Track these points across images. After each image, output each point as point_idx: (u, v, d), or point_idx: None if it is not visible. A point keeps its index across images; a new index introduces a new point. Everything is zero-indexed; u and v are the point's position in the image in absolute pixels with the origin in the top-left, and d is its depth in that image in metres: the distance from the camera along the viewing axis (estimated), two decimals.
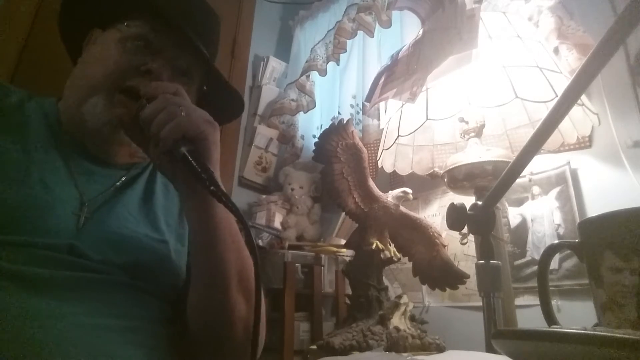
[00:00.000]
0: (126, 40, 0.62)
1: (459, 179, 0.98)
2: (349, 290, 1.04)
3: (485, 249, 0.65)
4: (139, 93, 0.55)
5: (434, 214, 1.31)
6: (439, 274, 0.96)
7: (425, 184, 1.31)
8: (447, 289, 0.96)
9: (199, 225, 0.55)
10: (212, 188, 0.46)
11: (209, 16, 0.71)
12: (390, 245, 0.98)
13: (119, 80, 0.59)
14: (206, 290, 0.56)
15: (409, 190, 0.99)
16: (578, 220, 0.99)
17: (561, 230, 1.03)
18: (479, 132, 1.02)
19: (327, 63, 1.65)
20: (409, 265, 1.01)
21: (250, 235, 0.47)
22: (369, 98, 1.14)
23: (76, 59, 0.71)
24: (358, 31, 1.57)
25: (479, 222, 0.64)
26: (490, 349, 0.76)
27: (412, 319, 0.91)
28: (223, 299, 0.55)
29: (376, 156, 1.32)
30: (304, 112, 1.73)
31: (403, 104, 1.02)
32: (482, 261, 0.65)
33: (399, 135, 1.00)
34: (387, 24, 1.49)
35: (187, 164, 0.48)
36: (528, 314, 0.98)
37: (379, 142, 1.25)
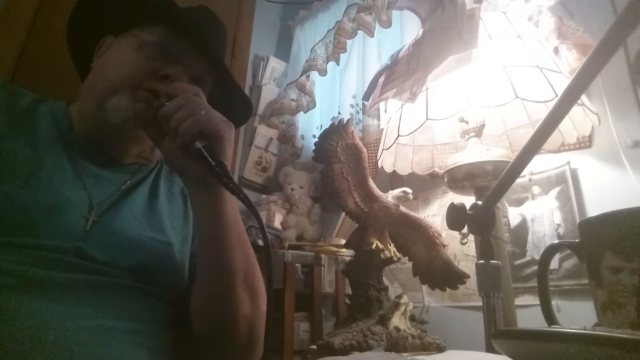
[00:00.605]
0: (144, 46, 0.63)
1: (459, 179, 0.98)
2: (349, 290, 1.04)
3: (485, 249, 0.65)
4: (160, 93, 0.57)
5: (434, 214, 1.31)
6: (439, 274, 0.96)
7: (425, 184, 1.31)
8: (447, 289, 0.96)
9: (207, 222, 0.56)
10: (226, 181, 0.48)
11: (218, 24, 0.73)
12: (390, 245, 0.98)
13: (139, 83, 0.60)
14: (211, 287, 0.56)
15: (409, 190, 0.99)
16: (578, 220, 0.99)
17: (561, 230, 1.03)
18: (479, 132, 1.02)
19: (327, 63, 1.65)
20: (409, 265, 1.01)
21: (264, 227, 0.48)
22: (367, 96, 1.14)
23: (80, 65, 0.71)
24: (358, 31, 1.57)
25: (479, 222, 0.64)
26: (490, 349, 0.76)
27: (412, 319, 0.91)
28: (228, 296, 0.55)
29: (376, 156, 1.32)
30: (304, 112, 1.73)
31: (403, 104, 1.02)
32: (482, 261, 0.65)
33: (399, 135, 1.00)
34: (387, 24, 1.49)
35: (202, 159, 0.49)
36: (528, 314, 0.98)
37: (379, 142, 1.25)
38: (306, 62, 1.70)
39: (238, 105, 0.76)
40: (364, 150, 0.98)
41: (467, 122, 1.03)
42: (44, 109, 0.62)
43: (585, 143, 1.05)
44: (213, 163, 0.49)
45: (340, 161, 0.98)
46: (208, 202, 0.55)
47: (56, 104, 0.65)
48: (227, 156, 0.53)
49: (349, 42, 1.62)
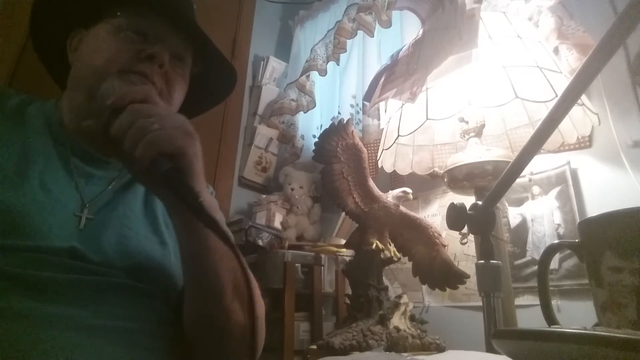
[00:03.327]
0: (120, 30, 0.62)
1: (459, 179, 0.98)
2: (349, 290, 1.04)
3: (485, 249, 0.65)
4: (147, 76, 0.56)
5: (434, 214, 1.31)
6: (439, 274, 0.96)
7: (425, 184, 1.31)
8: (447, 289, 0.96)
9: (187, 241, 0.53)
10: (197, 211, 0.42)
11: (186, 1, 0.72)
12: (390, 245, 0.98)
13: (125, 65, 0.59)
14: (200, 302, 0.55)
15: (409, 190, 0.99)
16: (578, 220, 0.99)
17: (561, 230, 1.03)
18: (479, 132, 1.02)
19: (327, 63, 1.65)
20: (409, 265, 1.01)
21: (240, 256, 0.43)
22: (367, 97, 1.14)
23: (49, 64, 0.71)
24: (358, 31, 1.57)
25: (479, 222, 0.64)
26: (490, 349, 0.76)
27: (412, 319, 0.91)
28: (218, 309, 0.54)
29: (376, 156, 1.32)
30: (304, 112, 1.73)
31: (403, 104, 1.02)
32: (482, 261, 0.65)
33: (399, 135, 1.00)
34: (387, 24, 1.49)
35: (167, 185, 0.43)
36: (528, 314, 0.98)
37: (379, 142, 1.25)
38: (306, 62, 1.70)
39: (222, 74, 0.75)
40: (364, 150, 0.98)
41: (467, 122, 1.03)
42: (33, 108, 0.62)
43: (585, 143, 1.05)
44: (181, 191, 0.42)
45: (340, 161, 0.98)
46: (188, 221, 0.50)
47: (46, 103, 0.64)
48: (196, 173, 0.48)
49: (349, 42, 1.62)
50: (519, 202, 1.12)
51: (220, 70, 0.75)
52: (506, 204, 1.13)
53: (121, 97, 0.48)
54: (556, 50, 1.06)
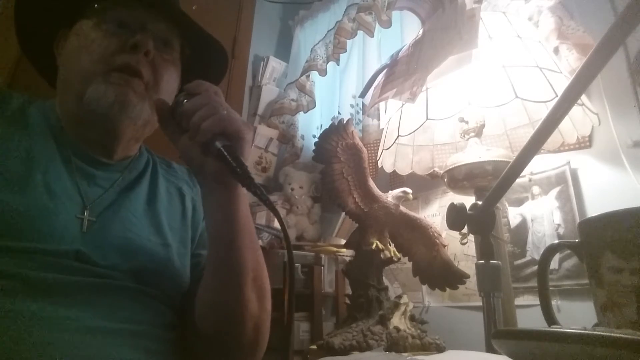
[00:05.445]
0: (101, 23, 0.61)
1: (459, 179, 0.98)
2: (349, 290, 1.04)
3: (485, 249, 0.65)
4: (133, 67, 0.58)
5: (434, 214, 1.31)
6: (439, 274, 0.96)
7: (425, 184, 1.31)
8: (447, 289, 0.96)
9: (221, 222, 0.55)
10: (248, 182, 0.47)
11: None
12: (390, 245, 0.98)
13: (109, 62, 0.59)
14: (221, 287, 0.56)
15: (409, 190, 0.99)
16: (578, 220, 0.99)
17: (561, 230, 1.03)
18: (479, 132, 1.02)
19: (327, 63, 1.65)
20: (409, 265, 1.01)
21: (285, 228, 0.47)
22: (364, 94, 1.14)
23: (41, 68, 0.71)
24: (358, 31, 1.57)
25: (479, 222, 0.64)
26: (490, 349, 0.76)
27: (412, 319, 0.91)
28: (237, 296, 0.55)
29: (376, 156, 1.32)
30: (304, 112, 1.73)
31: (403, 104, 1.02)
32: (482, 261, 0.65)
33: (399, 135, 1.00)
34: (387, 24, 1.49)
35: (222, 158, 0.49)
36: (528, 314, 0.98)
37: (379, 142, 1.25)
38: (306, 62, 1.70)
39: (213, 54, 0.75)
40: (364, 150, 0.98)
41: (467, 122, 1.03)
42: (34, 109, 0.61)
43: (585, 143, 1.05)
44: (234, 164, 0.48)
45: (340, 161, 0.98)
46: (224, 201, 0.54)
47: (46, 103, 0.64)
48: (247, 157, 0.52)
49: (349, 42, 1.62)
50: (519, 202, 1.12)
51: (212, 51, 0.74)
52: (506, 204, 1.13)
53: (196, 86, 0.54)
54: (556, 50, 1.06)
